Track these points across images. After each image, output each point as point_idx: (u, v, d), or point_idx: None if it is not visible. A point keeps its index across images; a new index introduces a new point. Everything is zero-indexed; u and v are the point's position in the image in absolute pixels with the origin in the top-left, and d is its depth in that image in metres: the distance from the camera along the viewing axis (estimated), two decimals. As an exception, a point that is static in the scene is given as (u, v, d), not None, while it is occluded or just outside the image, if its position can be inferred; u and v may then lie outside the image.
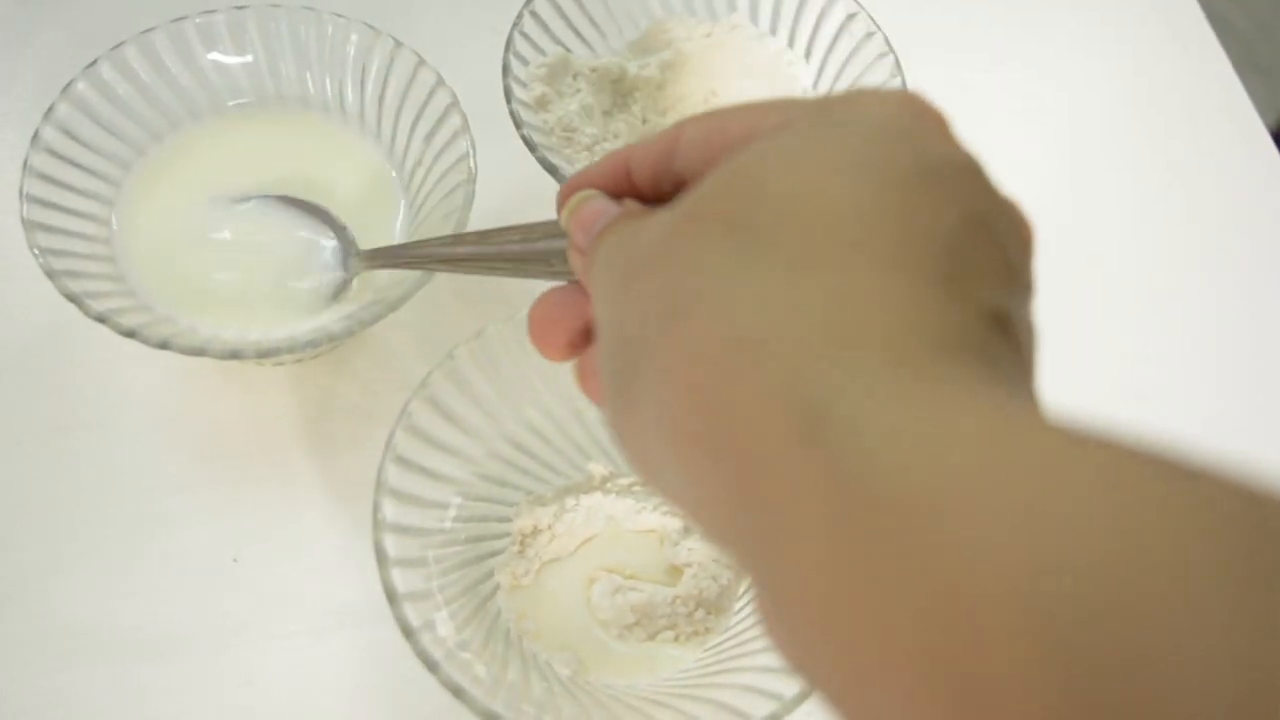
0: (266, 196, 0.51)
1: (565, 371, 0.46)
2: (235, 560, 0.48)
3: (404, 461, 0.42)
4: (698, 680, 0.42)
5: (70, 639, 0.45)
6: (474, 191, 0.47)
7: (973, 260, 0.20)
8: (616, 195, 0.28)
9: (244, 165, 0.51)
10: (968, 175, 0.21)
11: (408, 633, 0.38)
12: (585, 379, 0.28)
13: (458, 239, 0.33)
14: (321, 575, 0.48)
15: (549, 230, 0.30)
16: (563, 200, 0.29)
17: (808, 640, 0.18)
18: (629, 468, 0.45)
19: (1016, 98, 0.66)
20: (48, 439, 0.50)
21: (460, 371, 0.44)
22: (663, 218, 0.23)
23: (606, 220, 0.26)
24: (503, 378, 0.45)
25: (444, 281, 0.54)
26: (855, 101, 0.23)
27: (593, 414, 0.48)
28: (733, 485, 0.19)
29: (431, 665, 0.38)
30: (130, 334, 0.43)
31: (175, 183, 0.51)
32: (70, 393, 0.51)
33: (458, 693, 0.37)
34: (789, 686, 0.38)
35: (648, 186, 0.27)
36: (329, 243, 0.49)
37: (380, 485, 0.41)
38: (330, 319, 0.47)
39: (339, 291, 0.48)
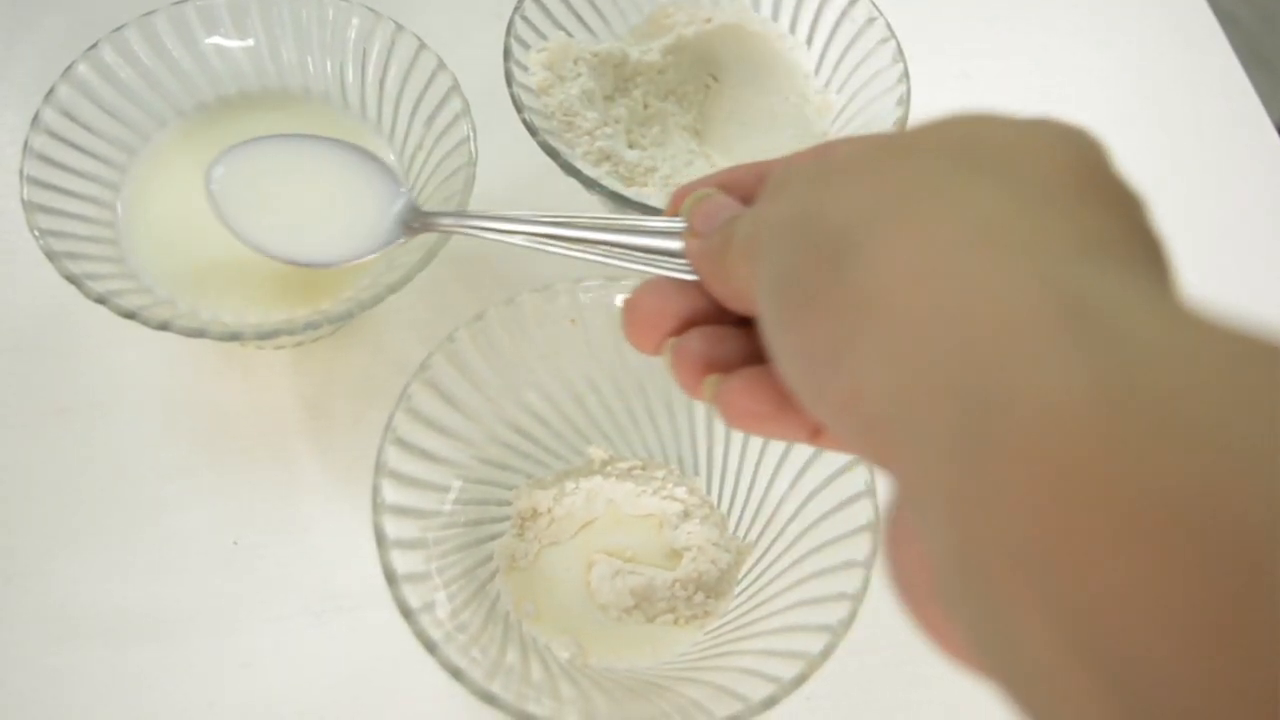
0: (297, 136, 0.48)
1: (566, 355, 0.47)
2: (235, 543, 0.48)
3: (404, 444, 0.42)
4: (697, 663, 0.42)
5: (69, 620, 0.46)
6: (474, 175, 0.47)
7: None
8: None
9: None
10: (1137, 198, 0.22)
11: (406, 614, 0.38)
12: (682, 366, 0.27)
13: (571, 219, 0.32)
14: (321, 558, 0.48)
15: (657, 225, 0.30)
16: (679, 198, 0.29)
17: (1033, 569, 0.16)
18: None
19: (1019, 89, 0.65)
20: (49, 421, 0.50)
21: (460, 354, 0.44)
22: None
23: (732, 213, 0.27)
24: (503, 361, 0.45)
25: (444, 265, 0.53)
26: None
27: (593, 398, 0.48)
28: (973, 375, 0.17)
29: (430, 646, 0.38)
30: (130, 315, 0.43)
31: (180, 168, 0.51)
32: (72, 375, 0.51)
33: (456, 674, 0.37)
34: (788, 669, 0.38)
35: None
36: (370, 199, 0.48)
37: (380, 467, 0.41)
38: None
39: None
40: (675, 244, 0.29)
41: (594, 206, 0.56)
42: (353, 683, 0.45)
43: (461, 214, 0.40)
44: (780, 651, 0.39)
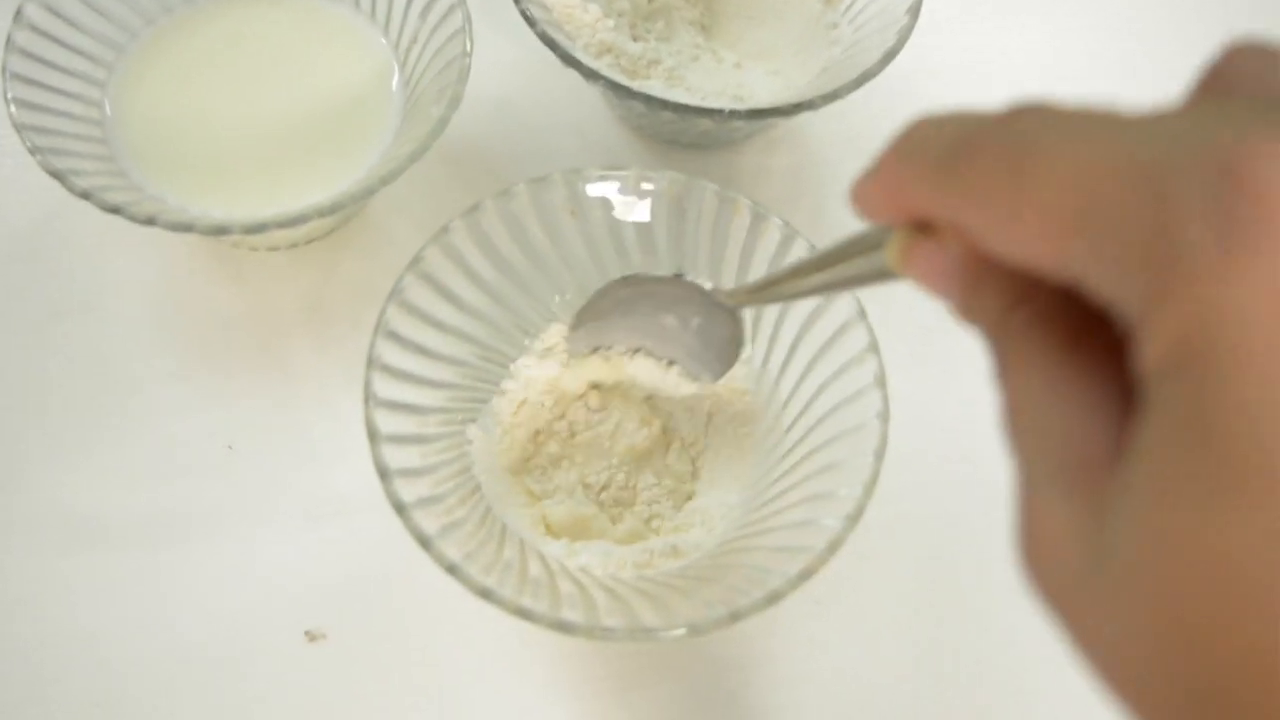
0: None
1: (564, 247, 0.45)
2: (230, 448, 0.47)
3: (396, 337, 0.40)
4: (709, 558, 0.41)
5: (65, 526, 0.45)
6: (469, 66, 0.45)
7: None
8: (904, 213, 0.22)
9: (239, 48, 0.50)
10: None
11: (399, 509, 0.37)
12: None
13: (793, 272, 0.32)
14: (318, 463, 0.47)
15: (861, 251, 0.26)
16: (861, 198, 0.23)
17: None
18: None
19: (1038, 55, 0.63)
20: (42, 325, 0.49)
21: (455, 246, 0.42)
22: None
23: (981, 280, 0.21)
24: (499, 253, 0.44)
25: (437, 159, 0.52)
26: None
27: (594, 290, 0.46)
28: None
29: (424, 541, 0.37)
30: (115, 210, 0.42)
31: (169, 65, 0.49)
32: (64, 280, 0.50)
33: (451, 569, 0.36)
34: (793, 564, 0.36)
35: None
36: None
37: (372, 361, 0.40)
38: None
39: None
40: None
41: (595, 101, 0.54)
42: (351, 587, 0.44)
43: (757, 288, 0.37)
44: (791, 547, 0.38)
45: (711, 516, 0.42)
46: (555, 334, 0.45)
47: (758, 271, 0.44)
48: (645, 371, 0.43)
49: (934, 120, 0.21)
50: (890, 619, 0.45)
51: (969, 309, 0.22)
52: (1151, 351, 0.17)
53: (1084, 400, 0.19)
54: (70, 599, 0.43)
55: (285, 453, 0.47)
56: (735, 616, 0.35)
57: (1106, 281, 0.17)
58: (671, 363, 0.42)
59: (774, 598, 0.36)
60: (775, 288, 0.34)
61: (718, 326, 0.41)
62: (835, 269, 0.28)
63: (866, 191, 0.23)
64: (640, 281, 0.42)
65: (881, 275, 0.25)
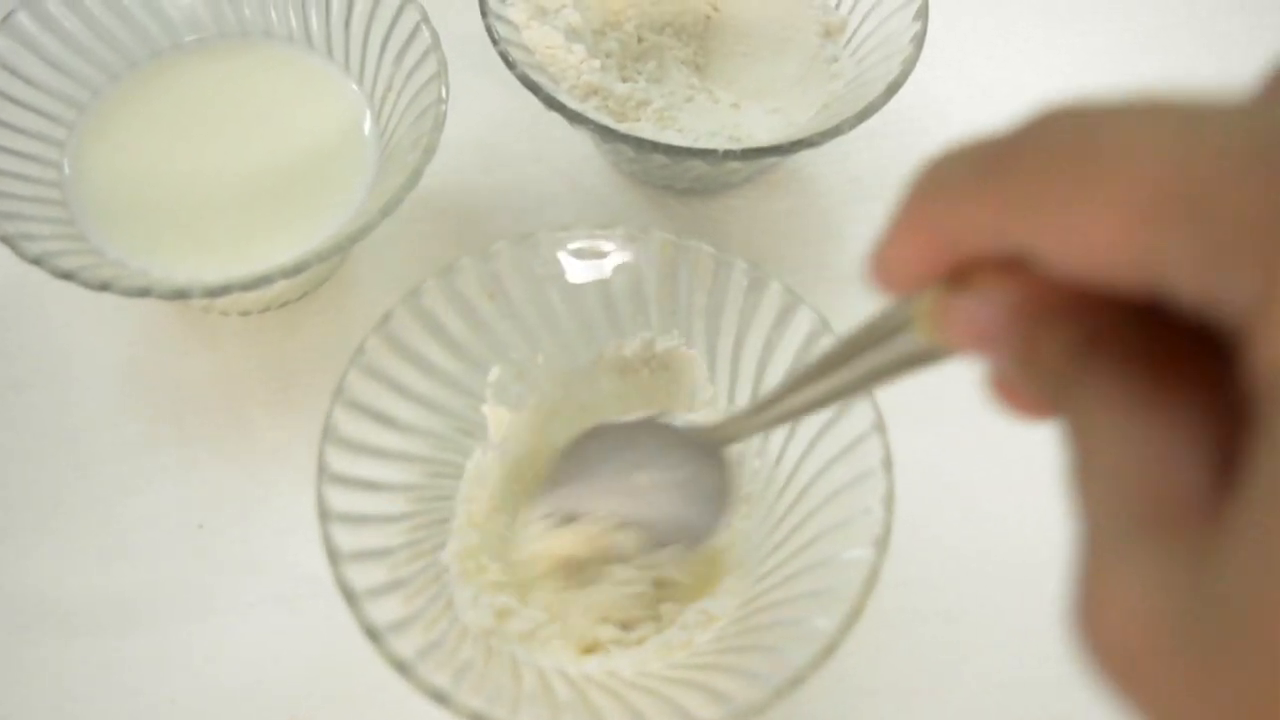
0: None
1: (543, 310, 0.42)
2: (201, 526, 0.44)
3: (356, 405, 0.37)
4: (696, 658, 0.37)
5: (27, 611, 0.42)
6: (444, 113, 0.42)
7: None
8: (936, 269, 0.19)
9: (206, 102, 0.47)
10: None
11: (350, 597, 0.34)
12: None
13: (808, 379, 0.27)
14: (293, 540, 0.43)
15: (889, 330, 0.22)
16: (883, 262, 0.19)
17: None
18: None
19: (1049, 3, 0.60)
20: (1, 397, 0.46)
21: (427, 308, 0.39)
22: None
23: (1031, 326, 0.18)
24: (475, 316, 0.41)
25: (419, 215, 0.50)
26: None
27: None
28: None
29: (374, 634, 0.33)
30: (68, 276, 0.39)
31: (133, 125, 0.47)
32: (26, 350, 0.47)
33: (401, 667, 0.33)
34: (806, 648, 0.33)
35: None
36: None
37: (328, 432, 0.36)
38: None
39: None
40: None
41: (586, 147, 0.52)
42: (329, 673, 0.41)
43: (750, 414, 0.32)
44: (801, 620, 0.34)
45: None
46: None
47: (756, 341, 0.40)
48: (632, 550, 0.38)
49: (954, 148, 0.18)
50: (921, 657, 0.41)
51: (1027, 365, 0.18)
52: (1271, 354, 0.14)
53: (1175, 431, 0.16)
54: (27, 690, 0.40)
55: (259, 529, 0.44)
56: (754, 710, 0.32)
57: (1203, 280, 0.14)
58: (661, 545, 0.37)
59: (795, 681, 0.32)
60: (773, 408, 0.29)
61: (706, 472, 0.35)
62: (847, 370, 0.23)
63: (890, 253, 0.19)
64: (609, 432, 0.37)
65: (910, 362, 0.21)
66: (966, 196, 0.17)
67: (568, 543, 0.37)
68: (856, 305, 0.38)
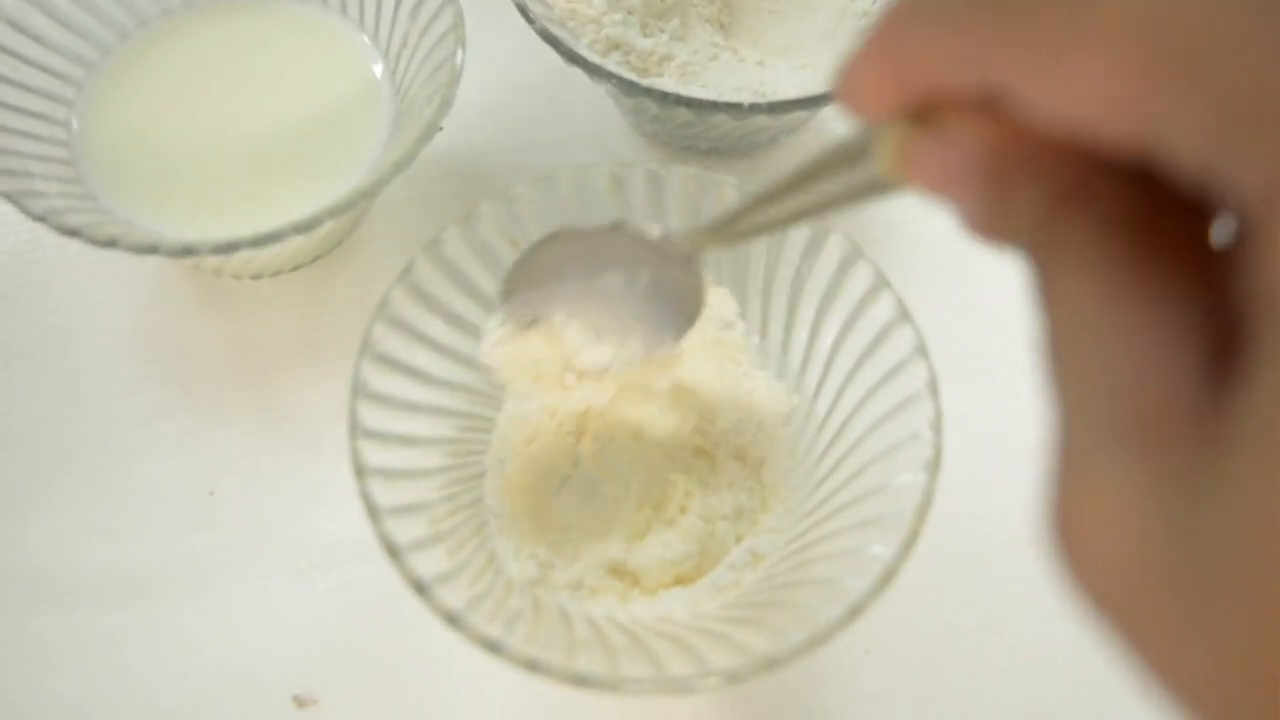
0: None
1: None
2: (212, 493, 0.42)
3: (384, 359, 0.36)
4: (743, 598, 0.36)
5: (35, 583, 0.41)
6: (461, 67, 0.41)
7: None
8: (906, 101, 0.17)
9: (217, 60, 0.46)
10: None
11: (393, 554, 0.33)
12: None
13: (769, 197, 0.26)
14: (307, 509, 0.42)
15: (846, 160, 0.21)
16: (851, 83, 0.18)
17: None
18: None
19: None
20: (7, 366, 0.45)
21: (448, 256, 0.38)
22: None
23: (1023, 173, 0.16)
24: (496, 260, 0.39)
25: (435, 177, 0.48)
26: None
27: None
28: None
29: (420, 588, 0.32)
30: (73, 232, 0.38)
31: (142, 81, 0.46)
32: (34, 317, 0.46)
33: (452, 620, 0.31)
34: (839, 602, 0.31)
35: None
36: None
37: (357, 388, 0.35)
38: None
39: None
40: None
41: (606, 108, 0.50)
42: (343, 647, 0.40)
43: (718, 225, 0.30)
44: (838, 579, 0.33)
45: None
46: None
47: (786, 273, 0.39)
48: (591, 354, 0.35)
49: None
50: (945, 671, 0.40)
51: (996, 216, 0.16)
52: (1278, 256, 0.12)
53: (1162, 325, 0.14)
54: (36, 662, 0.39)
55: (272, 498, 0.42)
56: (774, 662, 0.30)
57: (1205, 153, 0.13)
58: (623, 337, 0.35)
59: (819, 639, 0.31)
60: (742, 221, 0.28)
61: (671, 279, 0.34)
62: (815, 188, 0.22)
63: (859, 72, 0.17)
64: (571, 237, 0.34)
65: (875, 188, 0.20)
66: (949, 26, 0.15)
67: (534, 346, 0.35)
68: (886, 266, 0.37)
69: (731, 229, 0.29)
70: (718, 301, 0.40)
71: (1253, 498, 0.12)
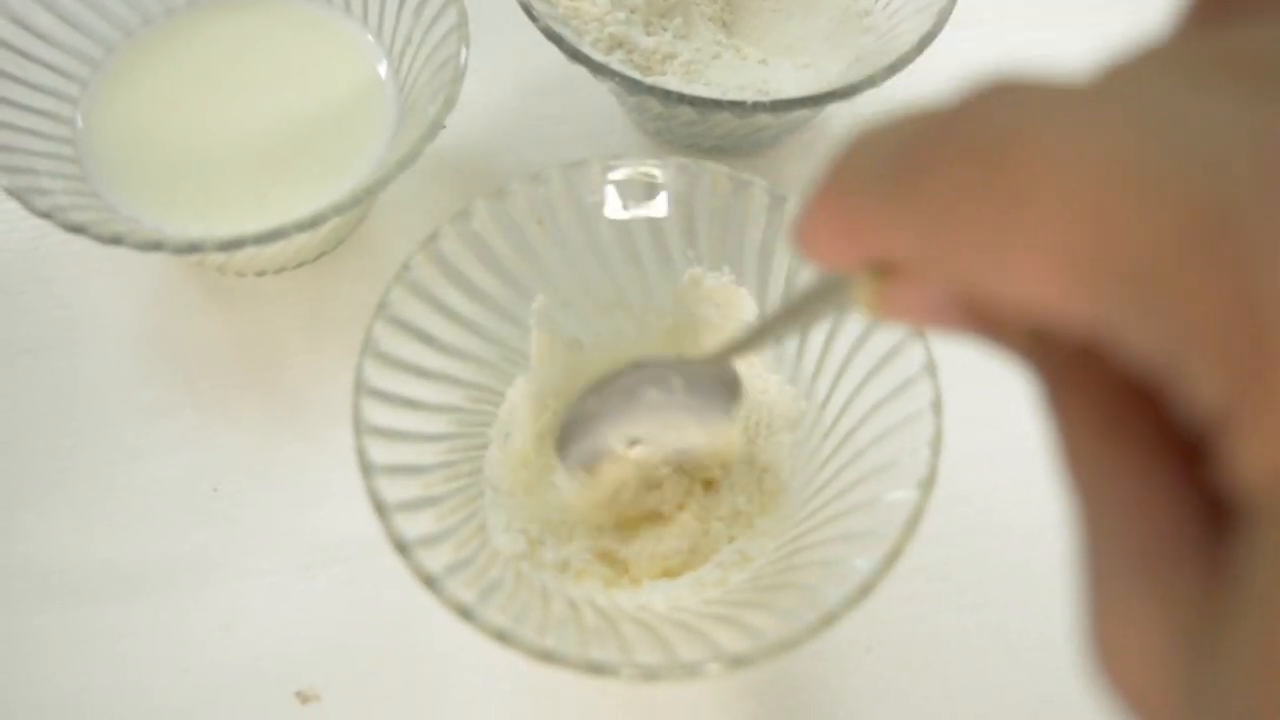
0: None
1: (564, 249, 0.40)
2: (215, 490, 0.43)
3: (385, 357, 0.36)
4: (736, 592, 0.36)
5: (38, 579, 0.41)
6: (465, 64, 0.41)
7: None
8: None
9: (222, 58, 0.46)
10: None
11: (401, 548, 0.33)
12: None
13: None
14: (311, 505, 0.42)
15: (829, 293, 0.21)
16: (805, 243, 0.17)
17: None
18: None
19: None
20: (11, 362, 0.45)
21: (445, 253, 0.38)
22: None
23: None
24: (494, 257, 0.39)
25: (438, 175, 0.48)
26: None
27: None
28: None
29: (430, 582, 0.32)
30: (78, 229, 0.38)
31: (147, 79, 0.46)
32: (37, 313, 0.46)
33: (464, 612, 0.32)
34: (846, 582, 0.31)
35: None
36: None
37: (359, 385, 0.35)
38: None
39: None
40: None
41: (608, 106, 0.50)
42: (347, 642, 0.40)
43: (726, 349, 0.32)
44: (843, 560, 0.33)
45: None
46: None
47: (781, 261, 0.39)
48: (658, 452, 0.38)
49: (874, 131, 0.15)
50: (952, 668, 0.40)
51: (989, 338, 0.16)
52: (1256, 459, 0.12)
53: (1157, 471, 0.14)
54: (39, 659, 0.39)
55: (275, 494, 0.42)
56: (742, 661, 0.30)
57: (1157, 361, 0.12)
58: (680, 433, 0.37)
59: (790, 644, 0.31)
60: (747, 344, 0.31)
61: (704, 373, 0.36)
62: (808, 313, 0.23)
63: (809, 234, 0.16)
64: (599, 387, 0.37)
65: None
66: (876, 215, 0.15)
67: (607, 480, 0.37)
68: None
69: (735, 351, 0.32)
70: (738, 302, 0.40)
71: (1251, 678, 0.12)
